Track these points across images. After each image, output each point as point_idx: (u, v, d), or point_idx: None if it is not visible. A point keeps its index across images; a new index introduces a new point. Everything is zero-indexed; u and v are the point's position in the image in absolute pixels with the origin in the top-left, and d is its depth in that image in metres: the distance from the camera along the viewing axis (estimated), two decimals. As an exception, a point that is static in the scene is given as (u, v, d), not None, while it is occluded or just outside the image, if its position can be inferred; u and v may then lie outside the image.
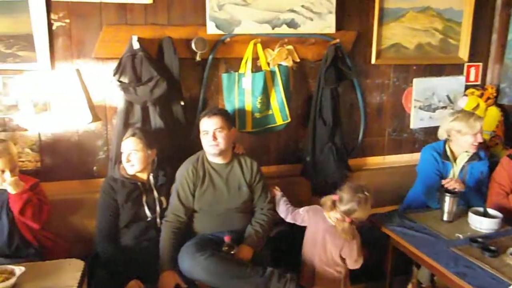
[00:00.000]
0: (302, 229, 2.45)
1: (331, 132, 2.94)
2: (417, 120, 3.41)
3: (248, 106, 2.79)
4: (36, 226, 2.24)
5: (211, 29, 2.68)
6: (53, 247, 2.35)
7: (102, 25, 2.54)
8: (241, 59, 2.78)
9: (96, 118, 2.66)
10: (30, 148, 2.61)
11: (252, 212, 2.52)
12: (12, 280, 1.78)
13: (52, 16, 2.47)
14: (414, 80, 3.34)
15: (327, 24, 2.91)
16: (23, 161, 2.60)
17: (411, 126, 3.42)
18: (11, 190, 2.15)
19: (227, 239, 2.28)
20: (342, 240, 2.24)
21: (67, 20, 2.50)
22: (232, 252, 2.26)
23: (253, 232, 2.39)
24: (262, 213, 2.49)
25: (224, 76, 2.78)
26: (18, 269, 1.84)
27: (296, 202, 2.99)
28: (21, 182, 2.19)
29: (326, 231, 2.29)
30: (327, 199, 2.31)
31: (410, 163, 3.22)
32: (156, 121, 2.57)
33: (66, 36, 2.52)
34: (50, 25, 2.47)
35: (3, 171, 2.17)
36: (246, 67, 2.77)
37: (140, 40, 2.49)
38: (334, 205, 2.26)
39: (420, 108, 3.39)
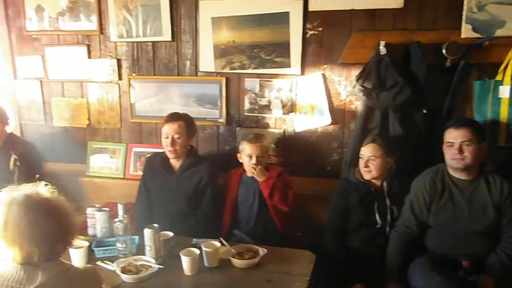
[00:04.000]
0: None
1: None
2: None
3: (503, 118, 2.44)
4: (285, 208, 2.50)
5: (467, 32, 2.45)
6: (291, 235, 2.56)
7: (351, 31, 2.63)
8: (499, 64, 2.45)
9: (334, 121, 2.78)
10: (275, 144, 2.91)
11: (496, 238, 2.20)
12: (256, 259, 2.02)
13: (308, 25, 2.69)
14: None
15: None
16: (268, 155, 2.91)
17: None
18: (258, 178, 2.48)
19: (465, 263, 2.05)
20: None
21: (320, 28, 2.69)
22: (469, 279, 2.03)
23: (498, 262, 2.09)
24: (510, 242, 2.15)
25: (477, 84, 2.50)
26: (262, 250, 2.07)
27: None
28: (264, 171, 2.50)
29: None
30: None
31: None
32: (395, 127, 2.52)
33: (317, 43, 2.71)
34: (304, 33, 2.70)
35: (250, 157, 2.51)
36: (504, 74, 2.43)
37: (386, 45, 2.47)
38: None
39: None
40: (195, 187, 2.57)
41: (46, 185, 1.46)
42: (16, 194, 1.38)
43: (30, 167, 2.59)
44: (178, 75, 2.98)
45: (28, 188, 1.41)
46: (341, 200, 2.43)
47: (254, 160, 2.52)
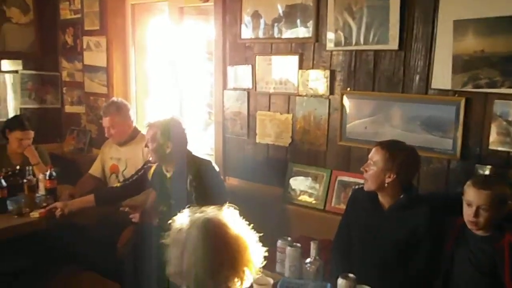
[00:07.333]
0: None
1: None
2: None
3: None
4: None
5: None
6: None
7: None
8: None
9: None
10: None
11: None
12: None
13: None
14: None
15: None
16: (502, 208, 2.12)
17: None
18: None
19: None
20: None
21: None
22: None
23: None
24: None
25: None
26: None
27: None
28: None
29: None
30: None
31: None
32: None
33: None
34: None
35: (470, 205, 1.96)
36: None
37: None
38: None
39: None
40: (408, 234, 2.13)
41: (231, 208, 1.42)
42: (196, 217, 1.34)
43: (205, 189, 2.53)
44: (403, 92, 2.53)
45: (210, 211, 1.36)
46: None
47: (472, 211, 1.92)
